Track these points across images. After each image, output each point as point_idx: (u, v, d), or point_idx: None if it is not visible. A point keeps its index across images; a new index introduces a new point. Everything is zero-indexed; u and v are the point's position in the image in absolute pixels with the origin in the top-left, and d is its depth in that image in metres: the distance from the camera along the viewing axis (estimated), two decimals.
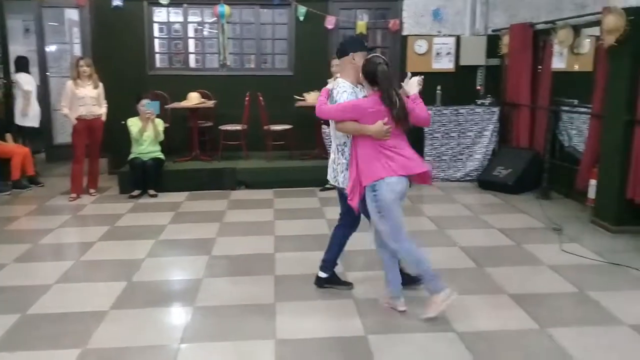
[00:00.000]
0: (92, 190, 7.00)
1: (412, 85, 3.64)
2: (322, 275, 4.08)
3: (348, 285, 4.11)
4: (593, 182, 5.64)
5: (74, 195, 6.78)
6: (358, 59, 3.61)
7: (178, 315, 3.77)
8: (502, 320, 3.58)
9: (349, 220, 3.96)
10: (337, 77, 6.56)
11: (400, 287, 3.74)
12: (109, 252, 4.98)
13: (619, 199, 5.23)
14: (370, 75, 3.46)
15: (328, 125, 6.77)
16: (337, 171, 3.75)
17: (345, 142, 3.68)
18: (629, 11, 5.00)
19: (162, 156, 7.07)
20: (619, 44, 5.12)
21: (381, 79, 3.41)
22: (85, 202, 6.67)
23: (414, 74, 3.71)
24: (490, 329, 3.47)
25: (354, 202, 3.56)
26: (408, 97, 3.58)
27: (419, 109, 3.55)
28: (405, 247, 3.55)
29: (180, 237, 5.37)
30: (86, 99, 6.61)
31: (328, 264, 4.07)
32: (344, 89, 3.60)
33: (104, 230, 5.56)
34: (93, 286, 4.26)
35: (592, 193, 5.65)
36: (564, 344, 3.27)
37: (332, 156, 3.83)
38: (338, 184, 3.77)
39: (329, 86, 3.79)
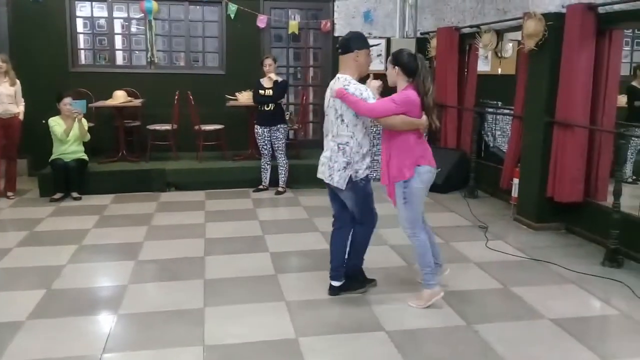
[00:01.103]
0: (9, 193, 6.61)
1: (374, 89, 3.71)
2: (335, 284, 3.92)
3: (371, 282, 4.03)
4: (516, 181, 5.86)
5: None
6: (362, 56, 3.64)
7: (101, 324, 3.59)
8: (430, 318, 3.64)
9: (347, 218, 3.88)
10: (270, 77, 6.62)
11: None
12: (27, 258, 4.71)
13: (539, 197, 5.46)
14: (409, 67, 3.56)
15: (261, 125, 6.74)
16: (334, 169, 3.68)
17: (347, 142, 3.63)
18: (548, 16, 5.22)
19: (85, 157, 6.78)
20: (539, 48, 5.34)
21: (420, 68, 3.55)
22: (3, 206, 6.30)
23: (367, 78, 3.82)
24: (419, 327, 3.52)
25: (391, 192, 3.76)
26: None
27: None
28: (421, 236, 3.77)
29: (104, 241, 5.15)
30: (2, 96, 6.26)
31: (339, 270, 3.91)
32: (359, 85, 3.62)
33: (22, 236, 5.26)
34: (8, 295, 3.99)
35: (515, 192, 5.87)
36: (489, 339, 3.36)
37: (327, 153, 3.74)
38: (332, 182, 3.71)
39: (338, 85, 3.63)
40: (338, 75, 3.72)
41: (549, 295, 3.99)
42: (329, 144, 3.75)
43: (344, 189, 3.70)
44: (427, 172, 3.68)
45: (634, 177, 6.78)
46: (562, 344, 3.33)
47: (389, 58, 3.73)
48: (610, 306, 3.85)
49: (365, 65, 3.71)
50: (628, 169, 6.61)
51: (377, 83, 3.83)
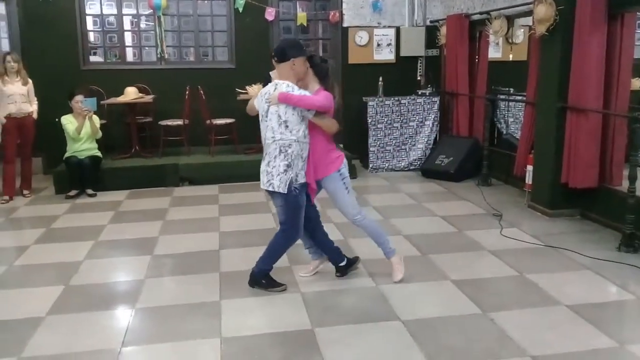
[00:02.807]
0: (25, 192, 6.68)
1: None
2: (342, 264, 4.07)
3: (356, 261, 4.18)
4: (530, 168, 5.82)
5: (6, 197, 6.45)
6: (298, 63, 3.63)
7: (119, 318, 3.64)
8: (446, 306, 3.65)
9: (312, 217, 3.94)
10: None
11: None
12: (44, 255, 4.77)
13: (554, 184, 5.42)
14: (323, 72, 3.77)
15: None
16: (272, 174, 3.63)
17: (290, 145, 3.60)
18: (559, 1, 5.16)
19: (99, 154, 6.83)
20: (550, 33, 5.28)
21: (330, 74, 3.84)
22: (19, 204, 6.37)
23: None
24: (434, 315, 3.53)
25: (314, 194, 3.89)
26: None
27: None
28: (364, 213, 3.96)
29: (120, 237, 5.20)
30: (15, 96, 6.31)
31: (335, 254, 4.07)
32: (297, 88, 3.62)
33: (40, 233, 5.33)
34: (28, 292, 4.06)
35: (529, 178, 5.84)
36: (505, 326, 3.35)
37: (265, 161, 3.70)
38: (273, 188, 3.64)
39: (281, 89, 3.58)
40: (276, 81, 3.66)
41: (564, 282, 3.98)
42: (268, 149, 3.68)
43: (285, 192, 3.62)
44: (346, 165, 3.90)
45: None
46: (579, 329, 3.32)
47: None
48: (626, 291, 3.83)
49: (300, 72, 3.65)
50: None
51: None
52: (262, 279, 3.93)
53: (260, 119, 3.75)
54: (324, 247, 4.05)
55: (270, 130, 3.65)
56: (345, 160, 3.88)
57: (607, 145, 5.20)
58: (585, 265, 4.27)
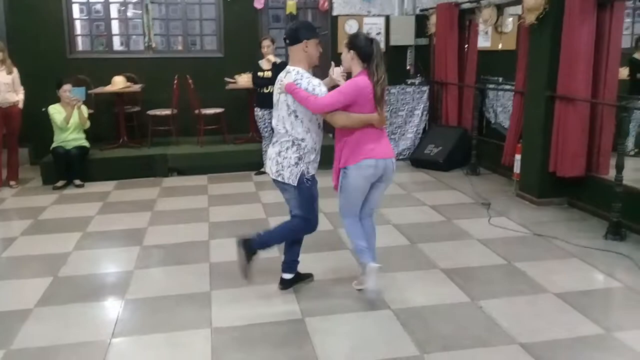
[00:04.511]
0: (12, 183, 6.62)
1: (338, 76, 3.57)
2: (287, 276, 3.80)
3: (309, 277, 3.92)
4: (518, 157, 5.85)
5: None
6: (310, 46, 3.46)
7: (108, 310, 3.63)
8: (435, 295, 3.67)
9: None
10: (269, 59, 6.57)
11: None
12: (32, 247, 4.73)
13: (542, 173, 5.45)
14: (364, 51, 3.36)
15: (262, 107, 6.72)
16: (283, 165, 3.49)
17: (304, 138, 3.44)
18: None
19: (87, 144, 6.78)
20: (539, 22, 5.29)
21: (375, 54, 3.35)
22: (6, 195, 6.31)
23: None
24: (424, 304, 3.55)
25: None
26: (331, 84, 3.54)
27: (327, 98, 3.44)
28: (349, 222, 3.63)
29: (109, 228, 5.17)
30: (0, 85, 6.22)
31: (292, 264, 3.81)
32: (312, 78, 3.43)
33: (27, 224, 5.28)
34: (16, 283, 4.04)
35: (517, 168, 5.87)
36: (494, 314, 3.39)
37: (276, 149, 3.53)
38: (283, 179, 3.50)
39: (288, 79, 3.41)
40: (288, 67, 3.50)
41: (552, 270, 4.02)
42: (281, 139, 3.51)
43: (295, 184, 3.49)
44: (370, 167, 3.45)
45: (637, 150, 6.75)
46: (567, 317, 3.36)
47: (345, 41, 3.54)
48: (613, 279, 3.87)
49: (314, 55, 3.49)
50: (630, 142, 6.58)
51: (340, 69, 3.61)
52: (247, 249, 3.64)
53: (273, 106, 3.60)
54: (291, 249, 3.80)
55: (281, 120, 3.48)
56: (367, 161, 3.44)
57: (595, 134, 5.23)
58: (572, 253, 4.31)
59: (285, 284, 3.81)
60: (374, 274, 3.51)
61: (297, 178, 3.48)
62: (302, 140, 3.46)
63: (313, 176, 3.58)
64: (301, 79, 3.39)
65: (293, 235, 3.75)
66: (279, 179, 3.53)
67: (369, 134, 3.45)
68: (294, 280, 3.84)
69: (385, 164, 3.50)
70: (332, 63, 3.67)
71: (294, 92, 3.36)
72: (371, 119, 3.41)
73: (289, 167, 3.48)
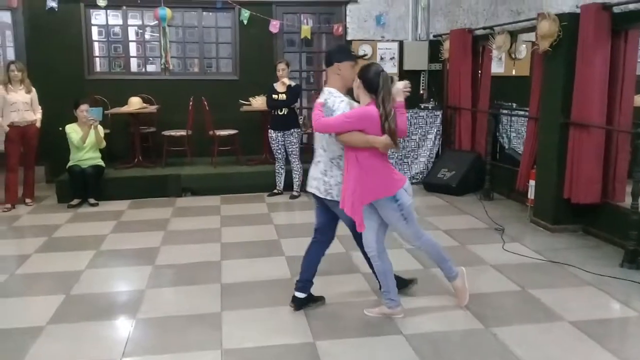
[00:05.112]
0: (28, 200, 6.69)
1: (399, 92, 3.52)
2: (300, 295, 3.78)
3: (320, 300, 3.89)
4: (532, 183, 5.82)
5: (8, 205, 6.47)
6: (343, 69, 3.52)
7: (119, 329, 3.63)
8: (448, 321, 3.63)
9: (328, 236, 3.80)
10: (283, 81, 6.64)
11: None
12: (46, 264, 4.76)
13: (556, 199, 5.41)
14: (370, 83, 3.37)
15: (275, 129, 6.78)
16: (331, 184, 3.54)
17: (340, 155, 3.52)
18: (562, 17, 5.19)
19: (102, 163, 6.85)
20: (553, 48, 5.31)
21: (382, 86, 3.32)
22: (21, 213, 6.38)
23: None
24: (437, 330, 3.51)
25: (359, 217, 3.46)
26: (394, 104, 3.48)
27: (400, 120, 3.45)
28: (427, 239, 3.68)
29: (122, 247, 5.20)
30: (18, 104, 6.35)
31: (307, 284, 3.79)
32: (340, 98, 3.48)
33: (41, 242, 5.33)
34: (29, 301, 4.06)
35: (531, 193, 5.83)
36: (508, 342, 3.33)
37: (319, 168, 3.60)
38: (332, 197, 3.55)
39: (320, 99, 3.52)
40: (324, 88, 3.61)
41: (567, 298, 3.96)
42: (320, 157, 3.60)
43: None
44: (409, 186, 3.57)
45: None
46: (582, 346, 3.30)
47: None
48: (629, 308, 3.81)
49: (348, 78, 3.53)
50: None
51: (402, 84, 3.55)
52: (304, 302, 3.81)
53: None
54: (307, 267, 3.81)
55: (319, 140, 3.60)
56: (405, 185, 3.49)
57: (610, 161, 5.20)
58: (587, 281, 4.25)
59: (297, 303, 3.79)
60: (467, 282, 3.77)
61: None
62: (340, 157, 3.54)
63: None
64: (329, 98, 3.49)
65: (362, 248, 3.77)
66: (328, 197, 3.58)
67: (385, 160, 3.49)
68: (306, 301, 3.81)
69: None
70: (395, 78, 3.60)
71: (313, 111, 3.47)
72: (374, 142, 3.35)
73: (337, 184, 3.55)
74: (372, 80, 3.37)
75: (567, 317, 3.64)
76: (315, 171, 3.65)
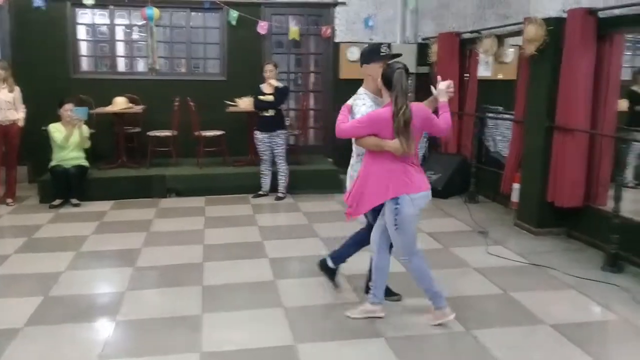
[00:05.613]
0: (9, 200, 6.60)
1: (442, 92, 3.51)
2: (329, 263, 3.97)
3: (337, 285, 4.04)
4: (516, 186, 5.83)
5: None
6: (371, 70, 3.51)
7: (98, 331, 3.58)
8: (430, 323, 3.61)
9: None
10: (271, 83, 6.61)
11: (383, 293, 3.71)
12: (25, 265, 4.70)
13: (540, 202, 5.43)
14: (386, 80, 3.33)
15: (262, 131, 6.76)
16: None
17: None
18: (549, 21, 5.21)
19: (86, 163, 6.77)
20: (539, 52, 5.32)
21: (395, 83, 3.26)
22: (2, 213, 6.29)
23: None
24: (418, 333, 3.50)
25: (357, 213, 3.53)
26: (437, 105, 3.52)
27: (441, 119, 3.46)
28: (415, 262, 3.53)
29: (103, 248, 5.14)
30: (1, 103, 6.28)
31: (340, 257, 3.97)
32: (362, 102, 3.49)
33: (21, 242, 5.25)
34: (6, 302, 3.98)
35: (515, 196, 5.85)
36: (489, 345, 3.33)
37: (356, 167, 3.65)
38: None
39: (349, 101, 3.56)
40: (360, 89, 3.62)
41: (548, 301, 3.96)
42: (358, 160, 3.65)
43: None
44: (421, 198, 3.44)
45: (636, 182, 6.73)
46: (562, 349, 3.30)
47: None
48: (610, 311, 3.82)
49: (377, 78, 3.47)
50: (629, 173, 6.56)
51: (445, 84, 3.54)
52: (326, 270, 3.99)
53: None
54: (350, 247, 3.95)
55: (353, 141, 3.64)
56: (415, 194, 3.39)
57: (593, 165, 5.22)
58: (569, 284, 4.26)
59: (322, 264, 3.99)
60: (444, 320, 3.57)
61: None
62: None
63: None
64: (355, 102, 3.52)
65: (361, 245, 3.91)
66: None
67: (407, 163, 3.40)
68: (331, 272, 3.98)
69: (429, 195, 3.54)
70: (439, 77, 3.61)
71: (340, 112, 3.49)
72: (385, 145, 3.31)
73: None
74: (388, 79, 3.32)
75: (548, 320, 3.64)
76: (352, 170, 3.72)
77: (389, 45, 3.60)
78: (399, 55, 3.59)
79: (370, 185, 3.42)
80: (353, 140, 3.61)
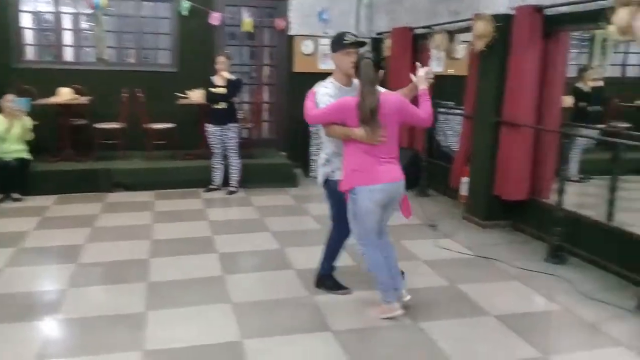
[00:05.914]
0: None
1: (421, 79, 3.48)
2: (323, 272, 3.99)
3: (342, 289, 3.97)
4: (465, 180, 5.92)
5: None
6: (336, 59, 3.51)
7: (37, 330, 3.44)
8: (377, 317, 3.62)
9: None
10: (222, 75, 6.49)
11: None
12: None
13: (487, 196, 5.53)
14: (356, 69, 3.33)
15: (214, 124, 6.65)
16: (318, 165, 3.70)
17: (327, 140, 3.60)
18: (497, 18, 5.29)
19: (28, 156, 6.51)
20: (488, 49, 5.41)
21: (361, 73, 3.27)
22: None
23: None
24: (365, 326, 3.51)
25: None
26: (417, 92, 3.52)
27: (422, 108, 3.45)
28: (369, 253, 3.53)
29: (45, 244, 4.95)
30: None
31: (328, 262, 3.98)
32: (325, 90, 3.48)
33: None
34: None
35: (464, 190, 5.94)
36: (435, 337, 3.37)
37: (322, 156, 3.67)
38: (318, 179, 3.72)
39: (314, 88, 3.53)
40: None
41: (494, 292, 4.04)
42: (328, 149, 3.65)
43: (322, 186, 3.68)
44: (380, 191, 3.37)
45: (582, 176, 6.94)
46: (507, 340, 3.37)
47: None
48: (553, 302, 3.92)
49: (342, 66, 3.47)
50: (574, 167, 6.76)
51: (424, 71, 3.55)
52: (327, 280, 3.96)
53: None
54: (328, 254, 3.94)
55: (325, 139, 3.66)
56: (373, 186, 3.35)
57: (538, 159, 5.35)
58: (514, 275, 4.36)
59: (320, 281, 4.00)
60: (390, 315, 3.55)
61: (323, 178, 3.65)
62: (327, 141, 3.59)
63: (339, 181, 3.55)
64: (318, 88, 3.50)
65: (339, 245, 3.90)
66: (317, 179, 3.73)
67: (371, 155, 3.34)
68: (330, 282, 3.98)
69: (396, 186, 3.48)
70: (418, 64, 3.58)
71: (306, 99, 3.47)
72: (352, 134, 3.30)
73: (320, 167, 3.67)
74: (357, 68, 3.33)
75: (493, 311, 3.71)
76: (320, 160, 3.73)
77: (356, 35, 3.56)
78: (363, 43, 3.56)
79: (343, 173, 3.46)
80: (323, 135, 3.59)
